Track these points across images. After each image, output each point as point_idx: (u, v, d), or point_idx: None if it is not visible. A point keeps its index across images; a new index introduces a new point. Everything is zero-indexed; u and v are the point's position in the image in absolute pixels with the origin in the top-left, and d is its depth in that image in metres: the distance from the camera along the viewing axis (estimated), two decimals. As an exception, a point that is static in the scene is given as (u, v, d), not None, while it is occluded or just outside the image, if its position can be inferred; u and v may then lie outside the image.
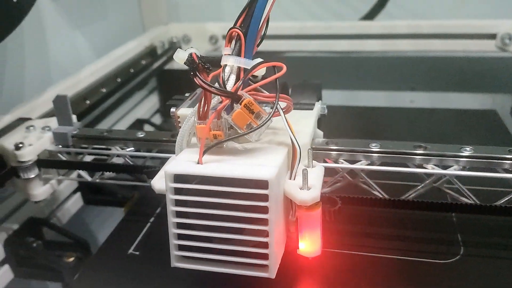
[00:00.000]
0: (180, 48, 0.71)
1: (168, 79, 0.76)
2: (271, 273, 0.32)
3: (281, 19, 0.82)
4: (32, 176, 0.44)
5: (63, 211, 0.55)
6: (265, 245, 0.31)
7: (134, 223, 0.45)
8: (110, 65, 0.65)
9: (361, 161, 0.38)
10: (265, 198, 0.30)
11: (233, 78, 0.31)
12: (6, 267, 0.47)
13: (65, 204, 0.55)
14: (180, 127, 0.35)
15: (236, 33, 0.32)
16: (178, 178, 0.31)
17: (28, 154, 0.43)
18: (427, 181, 0.39)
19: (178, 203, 0.32)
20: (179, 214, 0.32)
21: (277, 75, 0.31)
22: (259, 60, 0.32)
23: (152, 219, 0.45)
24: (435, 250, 0.39)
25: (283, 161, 0.32)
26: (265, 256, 0.32)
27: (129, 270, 0.39)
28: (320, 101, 0.42)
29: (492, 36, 0.70)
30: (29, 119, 0.50)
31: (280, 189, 0.32)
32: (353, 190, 0.39)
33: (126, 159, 0.44)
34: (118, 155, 0.44)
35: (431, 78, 0.81)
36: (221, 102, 0.31)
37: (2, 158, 0.44)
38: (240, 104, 0.31)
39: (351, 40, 0.74)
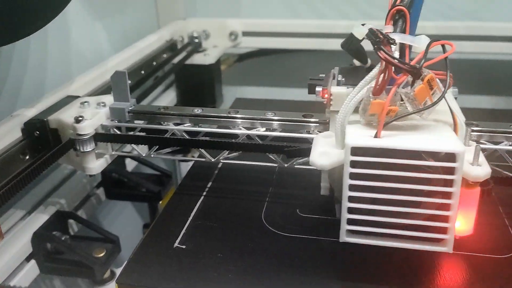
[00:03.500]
0: (201, 42, 0.71)
1: (187, 74, 0.70)
2: (449, 247, 0.30)
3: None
4: (89, 149, 0.42)
5: (86, 206, 0.51)
6: (444, 218, 0.29)
7: (175, 216, 0.41)
8: (134, 57, 0.61)
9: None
10: (451, 171, 0.28)
11: (397, 54, 0.30)
12: (32, 262, 0.42)
13: (88, 199, 0.51)
14: (331, 104, 0.35)
15: (401, 11, 0.30)
16: (355, 151, 0.29)
17: (88, 128, 0.41)
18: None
19: (353, 176, 0.29)
20: (353, 188, 0.30)
21: (448, 53, 0.30)
22: (423, 37, 0.30)
23: (193, 212, 0.41)
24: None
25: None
26: (444, 230, 0.30)
27: (176, 264, 0.35)
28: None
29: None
30: (78, 96, 0.47)
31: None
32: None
33: (183, 133, 0.42)
34: (175, 131, 0.42)
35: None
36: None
37: (57, 132, 0.42)
38: (422, 80, 0.29)
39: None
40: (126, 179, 0.54)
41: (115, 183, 0.55)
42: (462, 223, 0.32)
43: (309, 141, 0.38)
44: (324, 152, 0.32)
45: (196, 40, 0.72)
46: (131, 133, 0.44)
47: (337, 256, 0.35)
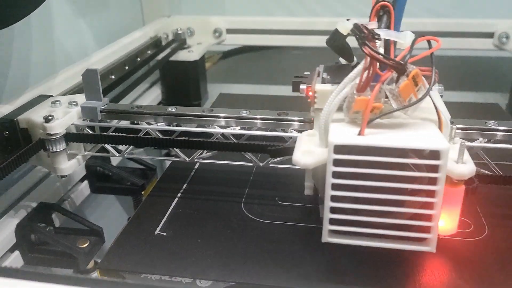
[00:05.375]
0: (185, 39, 0.71)
1: (172, 71, 0.69)
2: (433, 247, 0.29)
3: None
4: (60, 149, 0.40)
5: (70, 199, 0.50)
6: (428, 217, 0.28)
7: (156, 205, 0.41)
8: (118, 53, 0.60)
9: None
10: (435, 169, 0.27)
11: (381, 51, 0.29)
12: (16, 253, 0.41)
13: (72, 193, 0.50)
14: (315, 102, 0.33)
15: (385, 6, 0.29)
16: (338, 149, 0.28)
17: (58, 127, 0.39)
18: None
19: (336, 175, 0.28)
20: (336, 187, 0.28)
21: (434, 48, 0.28)
22: (408, 33, 0.29)
23: (174, 201, 0.41)
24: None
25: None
26: (427, 229, 0.28)
27: (156, 250, 0.35)
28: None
29: (490, 35, 0.67)
30: (51, 96, 0.45)
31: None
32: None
33: (157, 133, 0.40)
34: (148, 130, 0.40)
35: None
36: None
37: (28, 132, 0.40)
38: (407, 76, 0.28)
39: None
40: (111, 173, 0.54)
41: (100, 177, 0.54)
42: (446, 222, 0.31)
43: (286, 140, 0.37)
44: (308, 151, 0.30)
45: (188, 35, 0.72)
46: (105, 133, 0.42)
47: (314, 240, 0.35)
